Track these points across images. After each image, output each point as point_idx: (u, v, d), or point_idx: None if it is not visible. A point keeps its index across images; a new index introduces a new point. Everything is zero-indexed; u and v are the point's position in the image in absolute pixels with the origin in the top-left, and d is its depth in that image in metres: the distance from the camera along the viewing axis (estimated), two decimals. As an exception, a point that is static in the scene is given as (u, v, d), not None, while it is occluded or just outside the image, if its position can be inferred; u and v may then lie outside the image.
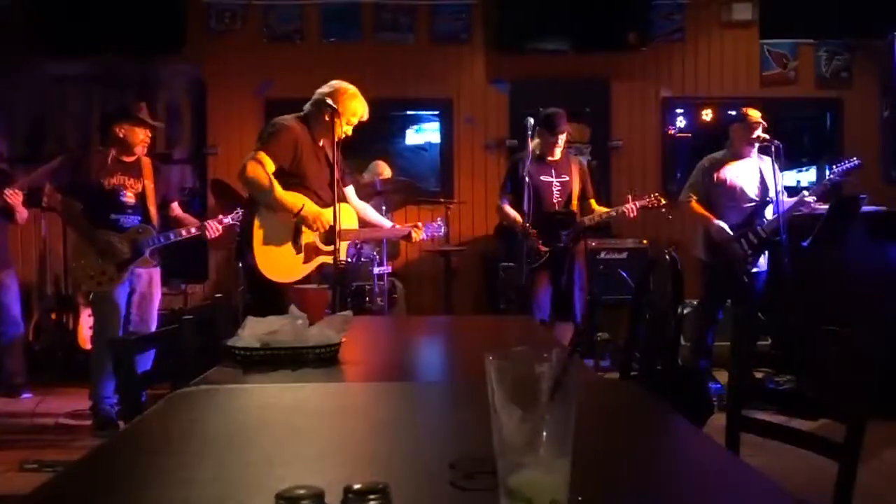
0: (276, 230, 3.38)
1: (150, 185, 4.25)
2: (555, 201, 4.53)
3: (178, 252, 4.67)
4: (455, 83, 6.41)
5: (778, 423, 1.67)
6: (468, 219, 6.32)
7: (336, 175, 3.39)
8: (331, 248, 3.41)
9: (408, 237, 3.74)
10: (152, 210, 4.24)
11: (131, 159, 4.23)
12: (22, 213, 4.75)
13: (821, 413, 1.66)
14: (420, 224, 3.77)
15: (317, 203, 3.39)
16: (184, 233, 4.21)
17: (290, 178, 3.35)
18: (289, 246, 3.42)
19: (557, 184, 4.54)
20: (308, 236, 3.44)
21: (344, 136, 3.41)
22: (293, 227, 3.40)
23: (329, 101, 3.37)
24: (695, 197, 4.74)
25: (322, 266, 3.51)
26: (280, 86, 6.23)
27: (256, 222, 3.36)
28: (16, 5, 5.92)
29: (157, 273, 4.32)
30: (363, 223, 3.69)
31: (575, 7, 6.19)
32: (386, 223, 3.83)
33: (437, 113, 6.56)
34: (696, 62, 6.50)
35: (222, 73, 6.24)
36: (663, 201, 4.59)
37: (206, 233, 4.21)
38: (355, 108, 3.44)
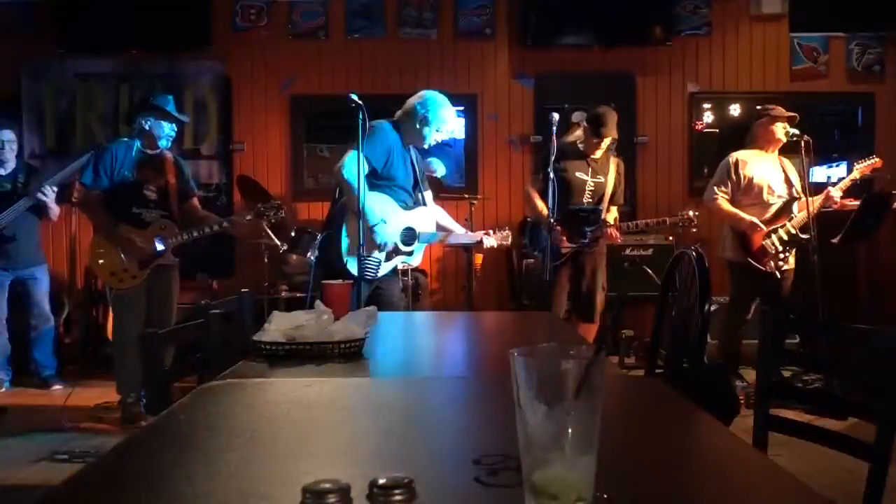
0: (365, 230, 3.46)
1: (172, 179, 4.23)
2: (585, 200, 4.45)
3: (205, 247, 4.71)
4: (479, 79, 6.39)
5: (806, 422, 1.65)
6: (492, 214, 6.30)
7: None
8: (409, 248, 3.57)
9: (479, 244, 3.81)
10: (174, 205, 4.23)
11: (155, 153, 4.22)
12: (54, 210, 4.82)
13: (850, 412, 1.63)
14: (491, 231, 3.84)
15: (401, 205, 3.54)
16: (206, 229, 4.17)
17: (381, 179, 3.46)
18: (374, 250, 3.49)
19: (592, 183, 4.44)
20: (390, 238, 3.54)
21: (434, 142, 3.61)
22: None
23: (420, 109, 3.53)
24: (721, 195, 4.67)
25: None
26: (304, 82, 6.27)
27: (350, 218, 3.43)
28: (44, 4, 6.01)
29: (175, 268, 4.30)
30: (438, 227, 3.78)
31: (600, 1, 6.14)
32: (459, 228, 3.89)
33: (461, 109, 6.55)
34: (724, 56, 6.42)
35: (247, 69, 6.29)
36: (695, 221, 4.48)
37: (234, 230, 4.21)
38: (446, 118, 3.59)
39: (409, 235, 3.57)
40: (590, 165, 4.45)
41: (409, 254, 3.62)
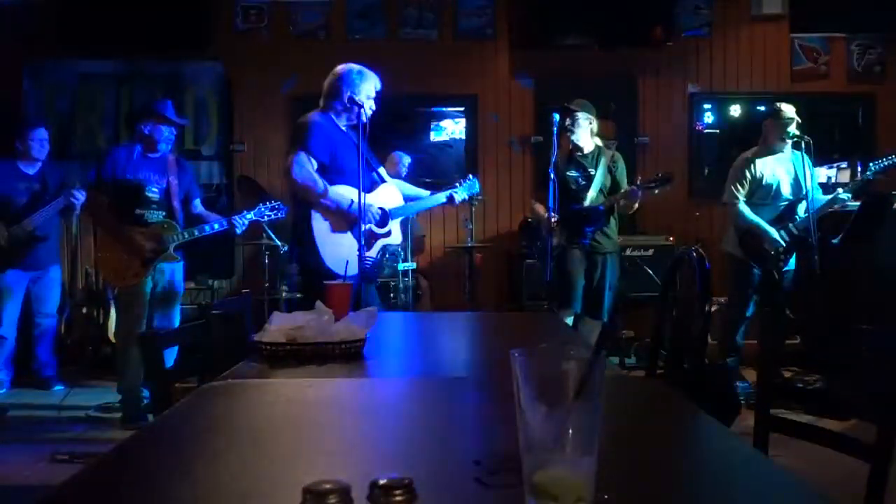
0: (335, 224, 3.38)
1: (174, 181, 4.30)
2: (581, 196, 4.46)
3: (205, 248, 4.72)
4: (479, 79, 6.39)
5: (807, 422, 1.64)
6: (492, 215, 6.31)
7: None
8: (386, 229, 3.48)
9: (451, 200, 3.72)
10: (176, 206, 4.29)
11: (156, 156, 4.29)
12: (76, 212, 4.87)
13: (851, 413, 1.63)
14: (458, 185, 3.75)
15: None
16: (207, 228, 4.23)
17: (331, 173, 3.36)
18: (349, 236, 3.38)
19: (583, 179, 4.47)
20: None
21: (370, 111, 3.46)
22: (348, 218, 3.37)
23: (344, 88, 3.43)
24: (741, 196, 4.63)
25: (384, 248, 3.58)
26: (305, 83, 6.26)
27: (315, 218, 3.35)
28: (45, 5, 6.01)
29: (180, 268, 4.34)
30: (405, 199, 3.68)
31: (600, 2, 6.15)
32: (424, 192, 3.79)
33: (461, 109, 6.55)
34: (725, 57, 6.42)
35: (248, 70, 6.29)
36: (672, 175, 4.40)
37: (235, 228, 4.24)
38: (366, 87, 3.48)
39: (382, 215, 3.47)
40: (581, 161, 4.45)
41: (388, 234, 3.51)
